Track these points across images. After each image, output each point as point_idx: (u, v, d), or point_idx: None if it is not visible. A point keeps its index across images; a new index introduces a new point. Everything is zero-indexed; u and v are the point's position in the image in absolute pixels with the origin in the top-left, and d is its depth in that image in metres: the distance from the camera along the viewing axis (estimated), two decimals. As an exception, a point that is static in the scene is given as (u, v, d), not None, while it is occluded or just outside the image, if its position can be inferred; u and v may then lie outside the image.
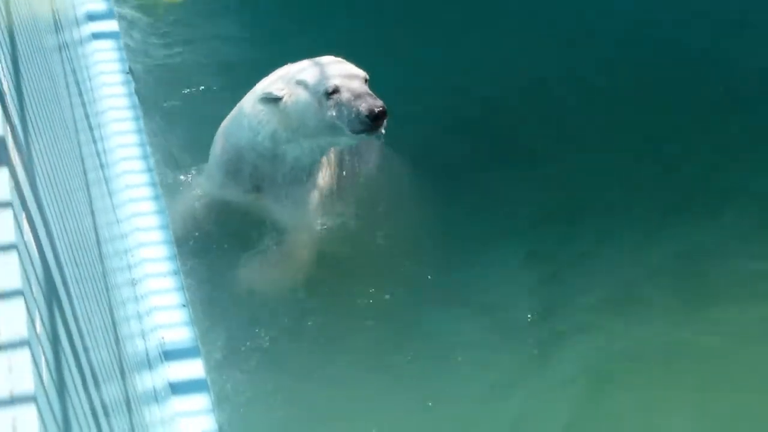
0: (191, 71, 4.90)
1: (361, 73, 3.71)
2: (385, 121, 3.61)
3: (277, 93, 3.73)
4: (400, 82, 4.87)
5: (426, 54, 5.11)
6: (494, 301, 4.01)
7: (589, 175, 4.54)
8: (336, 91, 3.63)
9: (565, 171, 4.55)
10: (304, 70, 3.74)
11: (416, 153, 4.43)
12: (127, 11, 5.09)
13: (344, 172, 4.07)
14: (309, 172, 3.92)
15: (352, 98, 3.61)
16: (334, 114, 3.64)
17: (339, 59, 3.79)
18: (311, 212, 3.97)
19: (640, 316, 3.96)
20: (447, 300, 4.00)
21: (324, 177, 3.99)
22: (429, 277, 4.10)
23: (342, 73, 3.68)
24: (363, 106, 3.58)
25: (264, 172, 3.92)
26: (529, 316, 3.94)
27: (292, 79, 3.73)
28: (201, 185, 4.10)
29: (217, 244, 4.04)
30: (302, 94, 3.70)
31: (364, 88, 3.65)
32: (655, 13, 5.42)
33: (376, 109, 3.56)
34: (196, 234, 4.03)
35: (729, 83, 5.01)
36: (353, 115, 3.60)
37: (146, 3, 5.26)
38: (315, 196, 3.97)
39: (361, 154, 4.18)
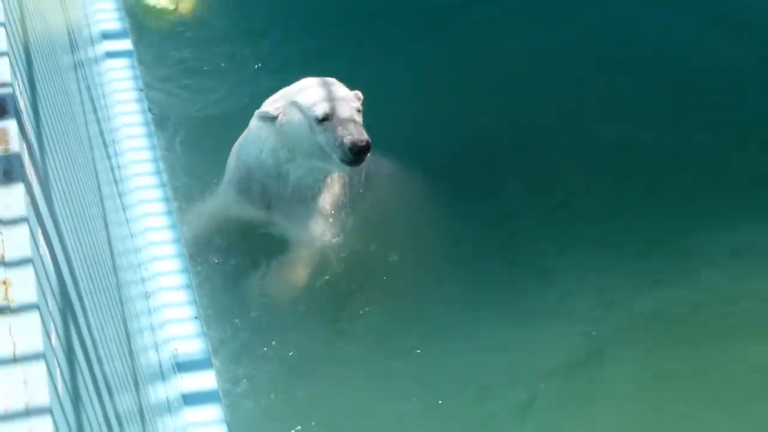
0: (207, 90, 4.96)
1: (355, 102, 3.75)
2: (368, 155, 3.66)
3: (273, 112, 3.79)
4: (411, 92, 4.90)
5: (434, 63, 5.13)
6: (506, 310, 4.02)
7: (610, 190, 4.51)
8: (326, 118, 3.68)
9: (579, 178, 4.54)
10: (301, 92, 3.79)
11: (427, 166, 4.45)
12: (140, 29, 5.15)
13: (352, 190, 4.11)
14: (314, 191, 3.97)
15: (340, 127, 3.66)
16: (322, 139, 3.70)
17: (338, 82, 3.83)
18: (317, 229, 4.01)
19: (656, 332, 3.95)
20: (456, 307, 4.02)
21: (330, 195, 4.03)
22: (440, 288, 4.11)
23: (335, 100, 3.71)
24: (348, 138, 3.63)
25: (272, 190, 3.98)
26: (542, 327, 3.94)
27: (290, 99, 3.80)
28: (216, 202, 4.16)
29: (231, 258, 4.09)
30: (296, 116, 3.76)
31: (355, 118, 3.70)
32: (660, 19, 5.43)
33: (360, 144, 3.61)
34: (210, 249, 4.09)
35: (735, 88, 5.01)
36: (338, 144, 3.65)
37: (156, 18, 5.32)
38: (321, 214, 4.01)
39: (370, 170, 4.21)
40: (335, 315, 3.98)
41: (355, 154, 3.63)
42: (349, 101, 3.73)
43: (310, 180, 3.95)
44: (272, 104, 3.84)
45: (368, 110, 3.96)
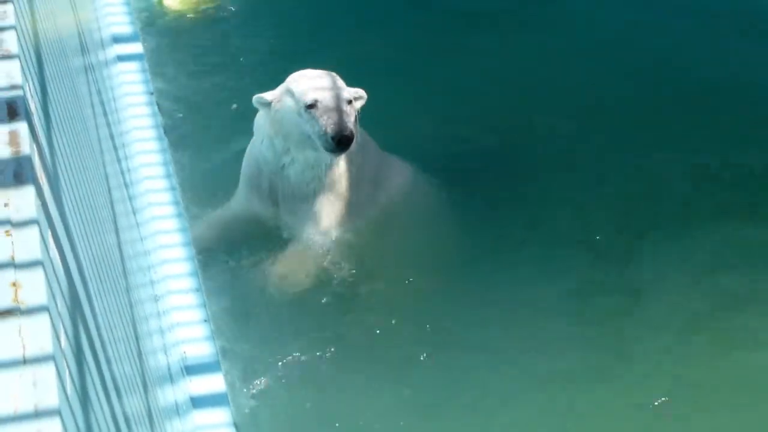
0: (217, 92, 4.97)
1: (347, 94, 3.79)
2: (351, 145, 3.72)
3: (268, 97, 3.87)
4: (427, 100, 4.90)
5: (449, 73, 5.13)
6: (520, 321, 3.99)
7: (624, 193, 4.50)
8: (313, 105, 3.75)
9: (593, 186, 4.52)
10: (296, 80, 3.87)
11: (443, 171, 4.43)
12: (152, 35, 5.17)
13: (361, 191, 4.11)
14: (315, 187, 4.00)
15: (325, 116, 3.72)
16: (309, 127, 3.77)
17: (334, 75, 3.88)
18: (318, 227, 4.02)
19: (668, 332, 3.93)
20: (465, 314, 4.00)
21: (334, 193, 4.04)
22: (450, 294, 4.10)
23: (326, 89, 3.79)
24: (330, 127, 3.69)
25: (277, 186, 4.02)
26: (557, 338, 3.91)
27: (285, 87, 3.88)
28: (231, 205, 4.21)
29: (242, 261, 4.11)
30: (288, 102, 3.83)
31: (343, 108, 3.75)
32: (668, 23, 5.42)
33: (341, 133, 3.67)
34: (221, 253, 4.11)
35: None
36: (321, 132, 3.71)
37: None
38: (323, 212, 4.02)
39: (383, 175, 4.22)
40: (337, 318, 3.97)
41: (337, 144, 3.69)
42: (340, 92, 3.79)
43: (309, 175, 3.97)
44: (269, 92, 3.92)
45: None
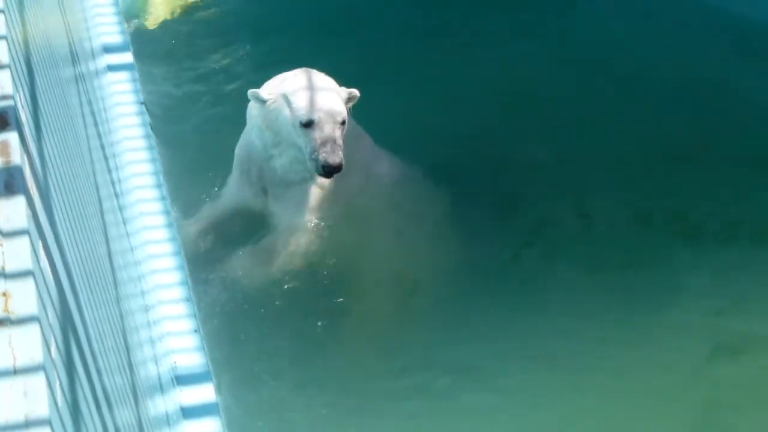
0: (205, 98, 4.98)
1: (341, 115, 3.80)
2: (336, 175, 3.77)
3: (264, 96, 3.89)
4: (422, 102, 4.92)
5: (444, 77, 5.15)
6: (516, 320, 3.99)
7: (627, 200, 4.52)
8: (309, 125, 3.77)
9: (590, 190, 4.54)
10: (294, 90, 3.85)
11: (441, 171, 4.44)
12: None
13: (352, 182, 4.11)
14: (301, 177, 4.02)
15: (318, 142, 3.75)
16: (301, 142, 3.81)
17: (330, 88, 3.88)
18: (301, 216, 4.04)
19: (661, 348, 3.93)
20: (451, 315, 4.00)
21: (320, 186, 4.05)
22: (436, 291, 4.10)
23: (323, 110, 3.78)
24: (322, 156, 3.73)
25: (266, 173, 4.05)
26: (557, 337, 3.92)
27: (283, 91, 3.88)
28: (224, 192, 4.23)
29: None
30: (283, 109, 3.85)
31: (335, 134, 3.77)
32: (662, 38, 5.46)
33: (331, 165, 3.71)
34: (210, 255, 4.11)
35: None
36: (313, 157, 3.76)
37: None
38: (307, 203, 4.04)
39: (375, 168, 4.23)
40: (325, 318, 3.97)
41: (325, 171, 3.74)
42: (334, 116, 3.79)
43: (296, 167, 4.00)
44: (266, 87, 3.94)
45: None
